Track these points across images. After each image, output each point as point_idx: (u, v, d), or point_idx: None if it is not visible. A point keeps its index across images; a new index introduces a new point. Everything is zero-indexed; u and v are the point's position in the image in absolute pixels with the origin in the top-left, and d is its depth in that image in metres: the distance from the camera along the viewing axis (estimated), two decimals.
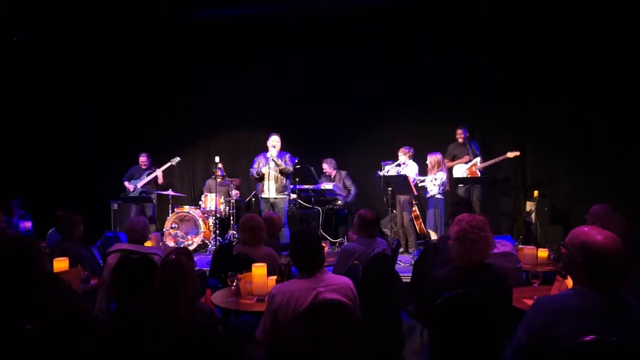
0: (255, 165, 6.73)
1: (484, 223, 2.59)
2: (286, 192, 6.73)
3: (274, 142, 6.59)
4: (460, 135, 7.23)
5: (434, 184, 6.51)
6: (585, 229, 1.93)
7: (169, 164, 7.72)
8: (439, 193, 6.53)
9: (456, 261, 2.57)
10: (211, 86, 8.42)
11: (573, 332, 1.74)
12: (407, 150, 6.80)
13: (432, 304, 2.39)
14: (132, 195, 7.62)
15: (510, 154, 7.01)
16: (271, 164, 6.58)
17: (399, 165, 6.72)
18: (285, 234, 6.57)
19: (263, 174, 6.63)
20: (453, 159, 7.31)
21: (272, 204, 6.66)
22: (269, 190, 6.62)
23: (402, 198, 6.63)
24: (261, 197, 6.76)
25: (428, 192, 6.60)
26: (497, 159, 7.10)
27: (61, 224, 3.95)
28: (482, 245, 2.53)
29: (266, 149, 6.66)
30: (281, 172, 6.63)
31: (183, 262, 2.25)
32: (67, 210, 4.00)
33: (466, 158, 7.20)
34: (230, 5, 8.10)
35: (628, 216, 3.43)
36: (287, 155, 6.69)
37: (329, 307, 2.36)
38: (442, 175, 6.50)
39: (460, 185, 7.02)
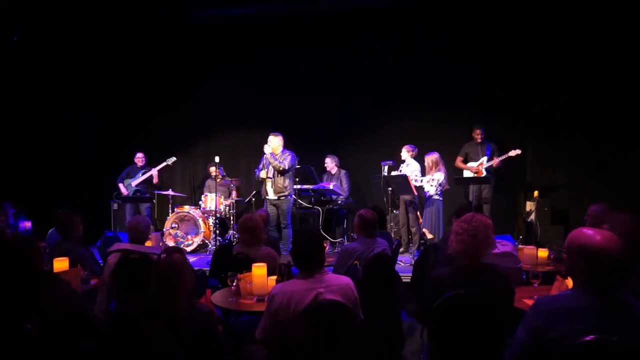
0: (261, 166, 6.69)
1: (485, 223, 2.59)
2: (288, 193, 6.63)
3: (268, 141, 6.53)
4: (478, 135, 7.17)
5: (431, 184, 6.49)
6: (584, 230, 1.93)
7: (164, 164, 7.71)
8: (437, 193, 6.52)
9: (456, 261, 2.57)
10: (211, 86, 8.41)
11: (573, 332, 1.74)
12: (410, 149, 6.78)
13: (433, 303, 2.39)
14: (127, 195, 7.62)
15: (512, 153, 6.99)
16: (270, 166, 6.55)
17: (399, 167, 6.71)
18: (288, 234, 6.56)
19: (262, 178, 6.62)
20: (465, 157, 7.28)
21: (275, 205, 6.63)
22: (269, 192, 6.60)
23: (406, 198, 6.61)
24: (265, 199, 6.74)
25: (427, 192, 6.59)
26: (501, 158, 7.07)
27: (61, 224, 3.95)
28: (483, 245, 2.53)
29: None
30: (276, 170, 6.52)
31: (176, 259, 2.25)
32: (67, 210, 3.99)
33: (481, 164, 7.16)
34: (229, 5, 8.10)
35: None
36: (288, 154, 6.57)
37: (328, 307, 2.36)
38: (439, 176, 6.48)
39: (468, 184, 7.01)
